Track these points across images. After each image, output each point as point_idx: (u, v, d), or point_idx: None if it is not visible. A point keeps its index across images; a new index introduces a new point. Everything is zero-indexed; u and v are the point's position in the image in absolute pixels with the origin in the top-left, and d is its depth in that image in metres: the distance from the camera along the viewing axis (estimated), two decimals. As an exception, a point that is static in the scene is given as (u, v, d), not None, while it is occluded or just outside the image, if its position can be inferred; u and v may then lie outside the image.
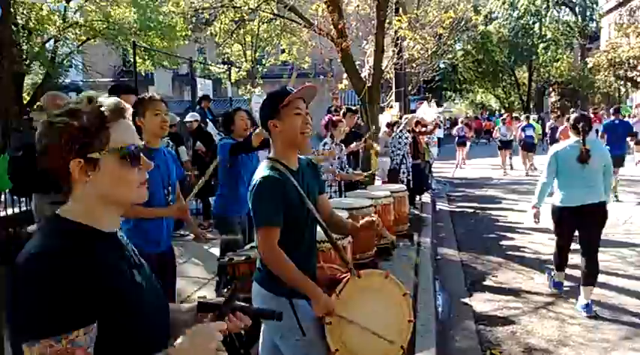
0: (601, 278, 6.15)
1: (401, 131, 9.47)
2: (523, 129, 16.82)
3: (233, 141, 4.73)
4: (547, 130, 19.21)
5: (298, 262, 2.44)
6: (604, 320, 5.03)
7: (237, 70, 21.12)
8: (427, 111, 13.76)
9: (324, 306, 2.41)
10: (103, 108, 1.34)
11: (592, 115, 12.99)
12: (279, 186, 2.43)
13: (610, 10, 39.69)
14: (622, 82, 33.05)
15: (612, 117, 11.48)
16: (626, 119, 12.37)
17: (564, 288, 5.82)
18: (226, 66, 20.09)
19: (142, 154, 1.41)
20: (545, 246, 7.73)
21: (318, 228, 2.67)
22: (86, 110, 1.33)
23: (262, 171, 2.50)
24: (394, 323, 2.56)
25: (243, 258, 3.69)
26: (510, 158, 17.57)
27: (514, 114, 23.45)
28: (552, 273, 5.76)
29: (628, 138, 11.17)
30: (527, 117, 18.85)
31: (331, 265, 3.00)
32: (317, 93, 2.66)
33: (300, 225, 2.52)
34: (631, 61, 30.19)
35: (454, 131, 20.09)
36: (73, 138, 1.30)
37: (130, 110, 1.42)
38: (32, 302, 1.16)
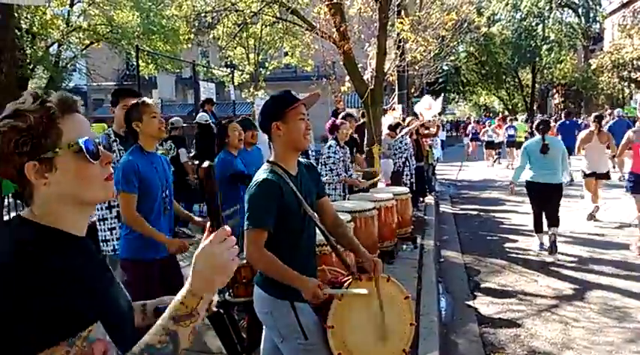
0: (604, 280, 6.17)
1: (403, 136, 9.46)
2: (506, 130, 20.08)
3: (229, 155, 4.82)
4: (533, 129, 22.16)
5: (297, 265, 2.45)
6: (608, 323, 5.01)
7: (240, 73, 21.16)
8: (432, 105, 13.71)
9: (307, 289, 2.40)
10: (49, 104, 1.24)
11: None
12: (275, 190, 2.45)
13: (613, 12, 39.66)
14: (626, 83, 33.03)
15: (563, 118, 15.60)
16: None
17: (568, 292, 5.89)
18: (229, 69, 20.13)
19: (100, 147, 1.31)
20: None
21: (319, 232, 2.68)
22: (31, 109, 1.23)
23: (261, 174, 2.53)
24: (396, 326, 2.55)
25: (244, 261, 3.68)
26: (496, 155, 21.05)
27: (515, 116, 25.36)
28: (540, 244, 7.58)
29: (576, 132, 13.62)
30: (511, 120, 22.79)
31: (332, 268, 3.00)
32: (319, 98, 2.71)
33: (297, 229, 2.54)
34: (635, 62, 30.17)
35: (468, 128, 24.66)
36: (21, 141, 1.21)
37: (75, 105, 1.32)
38: (21, 313, 1.07)
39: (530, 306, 5.52)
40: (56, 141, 1.23)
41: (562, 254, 7.34)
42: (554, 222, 7.31)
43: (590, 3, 43.65)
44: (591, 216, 9.36)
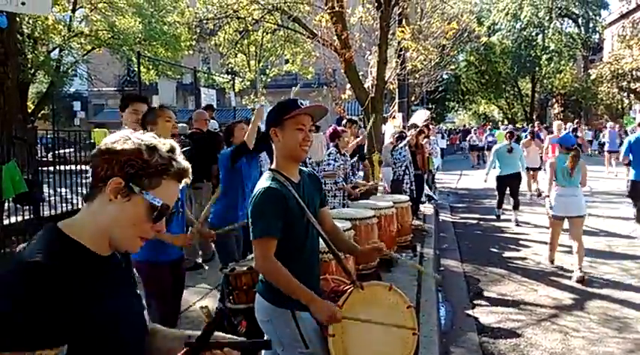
0: (604, 290, 6.17)
1: (402, 147, 9.46)
2: (486, 137, 23.83)
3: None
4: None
5: (300, 272, 2.44)
6: (608, 333, 5.00)
7: (240, 79, 21.20)
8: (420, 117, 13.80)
9: (322, 311, 2.37)
10: (173, 165, 1.41)
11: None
12: (279, 198, 2.44)
13: (613, 22, 39.83)
14: (625, 94, 33.12)
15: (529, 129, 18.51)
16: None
17: (568, 301, 5.91)
18: (230, 76, 20.18)
19: (164, 219, 1.44)
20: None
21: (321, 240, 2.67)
22: (162, 154, 1.40)
23: (263, 182, 2.52)
24: (398, 335, 2.55)
25: (245, 268, 3.68)
26: (480, 158, 25.03)
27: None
28: (498, 211, 10.99)
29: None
30: (490, 129, 27.89)
31: (335, 277, 2.99)
32: (327, 112, 2.69)
33: (300, 236, 2.53)
34: (634, 72, 30.28)
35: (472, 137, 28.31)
36: (131, 163, 1.36)
37: (187, 179, 1.48)
38: (4, 313, 1.15)
39: (529, 316, 5.52)
40: (150, 187, 1.38)
41: (562, 263, 7.35)
42: (516, 205, 10.55)
43: (590, 13, 43.84)
44: (533, 195, 13.31)
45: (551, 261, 7.29)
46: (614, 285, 6.36)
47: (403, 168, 9.29)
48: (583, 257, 6.67)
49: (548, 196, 7.03)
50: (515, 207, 10.50)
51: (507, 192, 10.60)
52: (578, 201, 6.74)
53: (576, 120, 33.08)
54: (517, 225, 10.13)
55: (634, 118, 26.39)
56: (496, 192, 10.97)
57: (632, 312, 5.50)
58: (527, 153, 12.55)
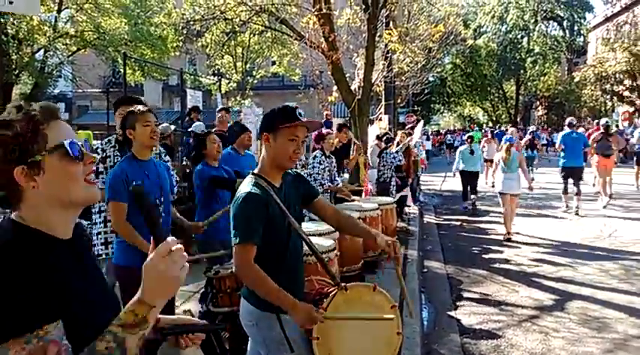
0: (585, 291, 6.27)
1: (397, 152, 9.51)
2: (461, 137, 27.66)
3: (207, 166, 4.83)
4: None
5: (284, 276, 2.45)
6: (587, 333, 5.09)
7: (227, 81, 21.15)
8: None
9: (303, 316, 2.38)
10: (33, 113, 1.33)
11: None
12: (260, 204, 2.43)
13: (597, 25, 40.28)
14: (608, 96, 33.50)
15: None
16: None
17: (549, 302, 6.01)
18: (216, 77, 20.13)
19: (83, 148, 1.38)
20: (530, 259, 7.82)
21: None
22: (16, 118, 1.31)
23: (246, 186, 2.51)
24: (383, 336, 2.57)
25: (229, 271, 3.71)
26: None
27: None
28: (465, 204, 12.87)
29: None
30: (467, 131, 31.09)
31: (319, 278, 3.01)
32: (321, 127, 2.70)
33: (282, 240, 2.53)
34: (617, 75, 30.63)
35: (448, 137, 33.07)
36: (9, 148, 1.28)
37: (59, 110, 1.42)
38: None
39: (510, 317, 5.59)
40: (42, 145, 1.31)
41: (543, 264, 7.45)
42: (475, 191, 12.87)
43: (575, 16, 44.33)
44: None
45: (508, 233, 9.20)
46: (595, 286, 6.47)
47: (392, 171, 9.35)
48: (512, 222, 9.36)
49: (494, 181, 9.83)
50: (474, 196, 13.04)
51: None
52: (515, 183, 9.24)
53: (543, 125, 36.47)
54: (473, 207, 12.72)
55: (617, 120, 26.72)
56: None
57: (611, 312, 5.60)
58: (487, 148, 16.32)
